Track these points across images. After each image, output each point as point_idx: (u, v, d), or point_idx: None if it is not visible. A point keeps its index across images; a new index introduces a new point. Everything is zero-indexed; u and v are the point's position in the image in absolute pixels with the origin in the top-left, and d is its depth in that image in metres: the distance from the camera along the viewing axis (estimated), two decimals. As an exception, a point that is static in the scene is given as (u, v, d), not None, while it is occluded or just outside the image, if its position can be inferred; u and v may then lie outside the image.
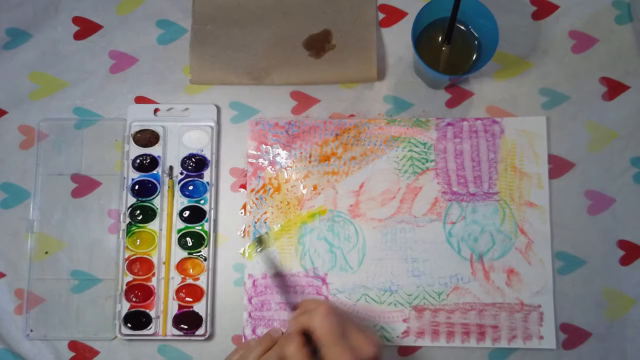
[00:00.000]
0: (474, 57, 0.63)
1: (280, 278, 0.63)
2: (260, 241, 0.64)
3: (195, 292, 0.64)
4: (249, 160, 0.66)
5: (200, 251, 0.64)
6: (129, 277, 0.64)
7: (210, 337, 0.64)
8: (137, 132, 0.66)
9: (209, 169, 0.66)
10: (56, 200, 0.66)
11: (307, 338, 0.52)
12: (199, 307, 0.63)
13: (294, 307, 0.58)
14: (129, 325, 0.63)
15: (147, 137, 0.66)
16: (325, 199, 0.65)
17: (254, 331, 0.63)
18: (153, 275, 0.64)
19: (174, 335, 0.63)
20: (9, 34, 0.69)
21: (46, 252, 0.65)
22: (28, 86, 0.68)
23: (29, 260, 0.65)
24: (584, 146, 0.65)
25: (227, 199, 0.66)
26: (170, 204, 0.65)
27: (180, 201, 0.65)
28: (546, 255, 0.63)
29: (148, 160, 0.66)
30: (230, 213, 0.66)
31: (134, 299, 0.64)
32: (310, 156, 0.66)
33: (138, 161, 0.66)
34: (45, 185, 0.66)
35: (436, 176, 0.65)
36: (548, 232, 0.63)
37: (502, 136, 0.65)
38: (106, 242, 0.65)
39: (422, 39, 0.62)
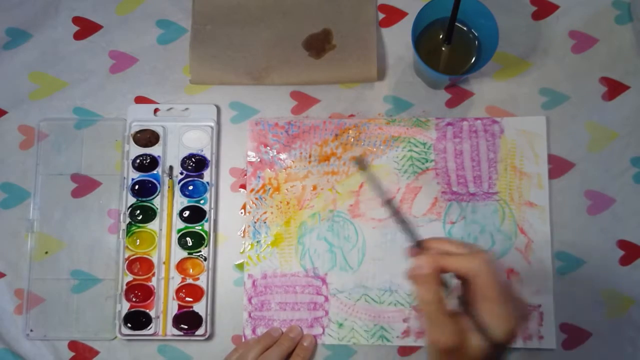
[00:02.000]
0: (474, 57, 0.63)
1: (391, 206, 0.50)
2: (360, 163, 0.58)
3: (195, 292, 0.64)
4: (249, 160, 0.66)
5: (200, 251, 0.64)
6: (129, 277, 0.64)
7: (210, 337, 0.64)
8: (137, 132, 0.66)
9: (209, 169, 0.66)
10: (56, 200, 0.66)
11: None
12: (199, 307, 0.63)
13: (418, 244, 0.47)
14: (129, 325, 0.63)
15: (147, 137, 0.66)
16: (325, 199, 0.65)
17: (254, 331, 0.63)
18: (153, 275, 0.64)
19: (174, 335, 0.63)
20: (9, 34, 0.69)
21: (46, 252, 0.65)
22: (28, 86, 0.68)
23: (29, 260, 0.65)
24: (584, 146, 0.65)
25: (227, 199, 0.66)
26: (170, 204, 0.65)
27: (180, 201, 0.65)
28: (546, 255, 0.63)
29: (148, 160, 0.66)
30: (230, 213, 0.66)
31: (134, 299, 0.64)
32: (310, 156, 0.66)
33: (138, 161, 0.66)
34: (45, 185, 0.66)
35: (436, 176, 0.65)
36: (548, 232, 0.63)
37: (502, 136, 0.65)
38: (106, 242, 0.65)
39: (422, 39, 0.62)
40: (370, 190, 0.60)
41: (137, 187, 0.65)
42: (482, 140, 0.65)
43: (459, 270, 0.43)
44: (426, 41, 0.62)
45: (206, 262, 0.64)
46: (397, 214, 0.49)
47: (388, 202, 0.50)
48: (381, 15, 0.68)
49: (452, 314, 0.43)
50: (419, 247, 0.46)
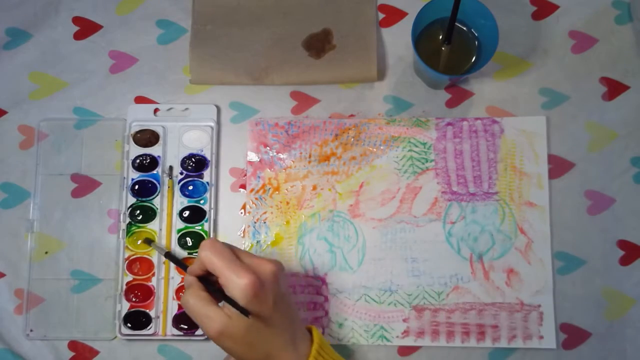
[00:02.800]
0: (474, 57, 0.63)
1: (169, 256, 0.60)
2: (147, 241, 0.63)
3: (195, 292, 0.64)
4: (249, 160, 0.66)
5: (200, 251, 0.64)
6: (129, 277, 0.64)
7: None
8: (137, 132, 0.66)
9: (208, 169, 0.66)
10: (56, 200, 0.66)
11: (208, 282, 0.51)
12: (199, 307, 0.63)
13: (182, 266, 0.56)
14: (129, 325, 0.63)
15: (147, 137, 0.66)
16: (325, 199, 0.65)
17: (254, 331, 0.63)
18: (153, 275, 0.64)
19: (174, 335, 0.63)
20: (9, 34, 0.69)
21: (46, 252, 0.65)
22: (28, 86, 0.68)
23: (29, 260, 0.65)
24: (584, 146, 0.65)
25: (227, 199, 0.66)
26: (170, 204, 0.65)
27: (180, 201, 0.65)
28: (546, 255, 0.63)
29: (148, 160, 0.66)
30: (230, 213, 0.66)
31: (134, 299, 0.64)
32: (310, 156, 0.66)
33: (138, 161, 0.66)
34: (45, 185, 0.66)
35: (436, 176, 0.65)
36: (548, 232, 0.63)
37: (502, 136, 0.65)
38: (106, 242, 0.65)
39: (422, 39, 0.62)
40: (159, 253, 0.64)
41: (137, 187, 0.65)
42: (482, 140, 0.65)
43: (197, 264, 0.50)
44: (426, 41, 0.62)
45: (206, 262, 0.64)
46: (175, 261, 0.59)
47: (167, 255, 0.60)
48: (381, 15, 0.68)
49: (211, 304, 0.49)
50: (183, 268, 0.55)
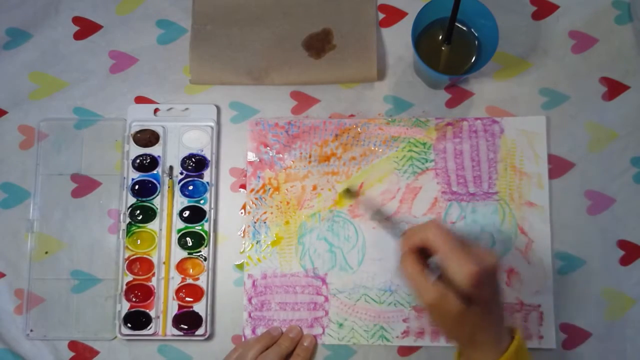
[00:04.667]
0: (474, 57, 0.63)
1: (379, 216, 0.62)
2: (348, 193, 0.63)
3: (195, 292, 0.64)
4: (249, 160, 0.66)
5: (200, 251, 0.64)
6: (129, 277, 0.64)
7: (210, 337, 0.64)
8: (137, 132, 0.66)
9: (209, 169, 0.66)
10: (56, 200, 0.66)
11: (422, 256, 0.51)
12: (199, 307, 0.63)
13: (402, 234, 0.55)
14: (129, 325, 0.63)
15: (147, 137, 0.66)
16: (325, 199, 0.65)
17: (253, 331, 0.63)
18: (153, 275, 0.64)
19: (174, 335, 0.63)
20: (9, 34, 0.69)
21: (46, 252, 0.65)
22: (28, 86, 0.68)
23: (29, 260, 0.65)
24: (584, 146, 0.65)
25: (227, 199, 0.66)
26: (170, 204, 0.65)
27: (180, 201, 0.65)
28: (546, 255, 0.63)
29: (148, 160, 0.66)
30: (230, 213, 0.66)
31: (134, 299, 0.64)
32: (310, 156, 0.66)
33: (138, 161, 0.66)
34: (45, 185, 0.66)
35: (436, 176, 0.65)
36: (548, 232, 0.63)
37: (502, 136, 0.65)
38: (106, 242, 0.65)
39: (422, 39, 0.62)
40: (365, 211, 0.64)
41: (137, 187, 0.65)
42: (482, 140, 0.65)
43: (419, 239, 0.50)
44: (426, 41, 0.62)
45: (206, 262, 0.64)
46: (386, 220, 0.58)
47: (377, 212, 0.59)
48: (381, 15, 0.68)
49: (429, 278, 0.49)
50: (400, 235, 0.54)
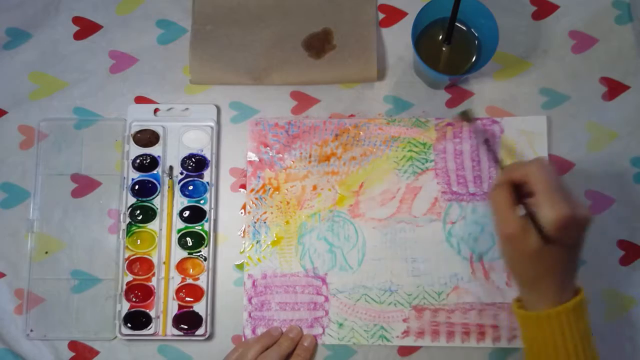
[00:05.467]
0: (474, 57, 0.63)
1: (487, 144, 0.63)
2: (465, 115, 0.62)
3: (195, 292, 0.64)
4: (249, 160, 0.66)
5: (200, 251, 0.64)
6: (129, 277, 0.64)
7: (210, 337, 0.64)
8: (137, 132, 0.66)
9: (209, 169, 0.66)
10: (56, 200, 0.66)
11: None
12: (199, 307, 0.63)
13: (497, 162, 0.56)
14: (129, 325, 0.63)
15: (147, 137, 0.66)
16: (325, 199, 0.65)
17: (253, 331, 0.63)
18: (153, 275, 0.64)
19: (174, 335, 0.63)
20: (9, 34, 0.69)
21: (46, 252, 0.65)
22: (28, 86, 0.68)
23: (29, 260, 0.65)
24: (584, 146, 0.65)
25: (227, 199, 0.66)
26: (170, 204, 0.65)
27: (180, 201, 0.65)
28: (546, 255, 0.63)
29: (148, 160, 0.66)
30: (230, 213, 0.66)
31: (134, 299, 0.64)
32: (310, 156, 0.66)
33: (138, 161, 0.66)
34: (45, 185, 0.66)
35: (436, 176, 0.65)
36: (548, 232, 0.63)
37: (502, 136, 0.65)
38: (106, 242, 0.65)
39: (422, 39, 0.62)
40: (476, 136, 0.65)
41: (137, 187, 0.65)
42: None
43: (520, 173, 0.50)
44: (426, 41, 0.62)
45: (206, 262, 0.64)
46: (492, 151, 0.60)
47: (486, 142, 0.63)
48: (381, 15, 0.68)
49: (516, 211, 0.50)
50: (499, 166, 0.55)
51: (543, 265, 0.50)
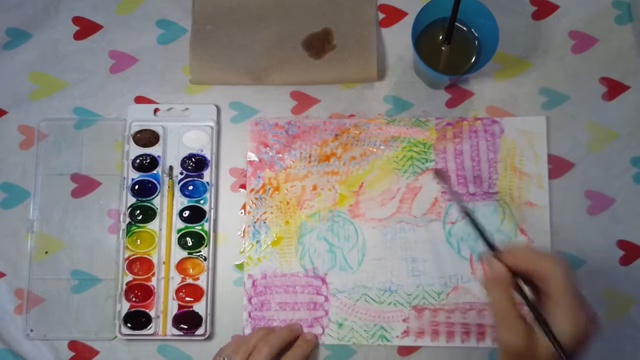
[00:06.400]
0: (474, 57, 0.63)
1: (470, 216, 0.51)
2: (439, 175, 0.60)
3: (195, 292, 0.64)
4: (249, 160, 0.66)
5: (200, 251, 0.64)
6: (129, 277, 0.64)
7: (210, 337, 0.64)
8: (137, 132, 0.66)
9: (208, 169, 0.66)
10: (56, 200, 0.66)
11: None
12: (199, 307, 0.63)
13: (492, 247, 0.47)
14: (129, 325, 0.63)
15: (147, 137, 0.66)
16: (325, 199, 0.65)
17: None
18: (153, 275, 0.64)
19: (174, 335, 0.63)
20: (9, 34, 0.69)
21: (46, 252, 0.65)
22: (28, 86, 0.68)
23: (29, 260, 0.65)
24: (584, 146, 0.65)
25: (227, 199, 0.66)
26: (170, 204, 0.65)
27: (180, 201, 0.65)
28: (546, 255, 0.63)
29: (148, 160, 0.66)
30: (230, 213, 0.66)
31: (134, 299, 0.64)
32: (310, 156, 0.66)
33: (138, 161, 0.66)
34: (45, 185, 0.66)
35: (436, 176, 0.65)
36: (548, 232, 0.63)
37: (502, 136, 0.65)
38: (106, 242, 0.65)
39: (422, 39, 0.62)
40: (451, 200, 0.62)
41: (137, 187, 0.65)
42: (482, 140, 0.65)
43: (532, 266, 0.43)
44: (426, 41, 0.62)
45: (206, 262, 0.64)
46: (473, 222, 0.50)
47: (468, 215, 0.51)
48: (381, 15, 0.68)
49: (522, 317, 0.42)
50: (493, 251, 0.47)
51: None
